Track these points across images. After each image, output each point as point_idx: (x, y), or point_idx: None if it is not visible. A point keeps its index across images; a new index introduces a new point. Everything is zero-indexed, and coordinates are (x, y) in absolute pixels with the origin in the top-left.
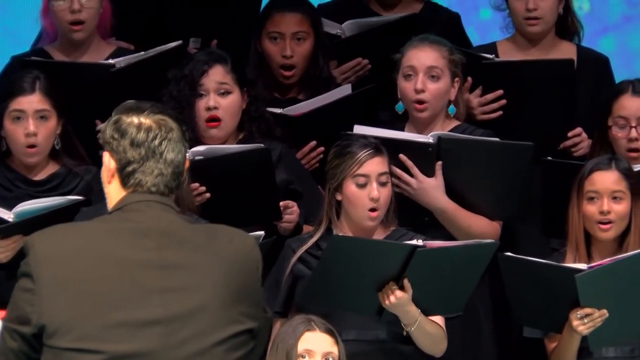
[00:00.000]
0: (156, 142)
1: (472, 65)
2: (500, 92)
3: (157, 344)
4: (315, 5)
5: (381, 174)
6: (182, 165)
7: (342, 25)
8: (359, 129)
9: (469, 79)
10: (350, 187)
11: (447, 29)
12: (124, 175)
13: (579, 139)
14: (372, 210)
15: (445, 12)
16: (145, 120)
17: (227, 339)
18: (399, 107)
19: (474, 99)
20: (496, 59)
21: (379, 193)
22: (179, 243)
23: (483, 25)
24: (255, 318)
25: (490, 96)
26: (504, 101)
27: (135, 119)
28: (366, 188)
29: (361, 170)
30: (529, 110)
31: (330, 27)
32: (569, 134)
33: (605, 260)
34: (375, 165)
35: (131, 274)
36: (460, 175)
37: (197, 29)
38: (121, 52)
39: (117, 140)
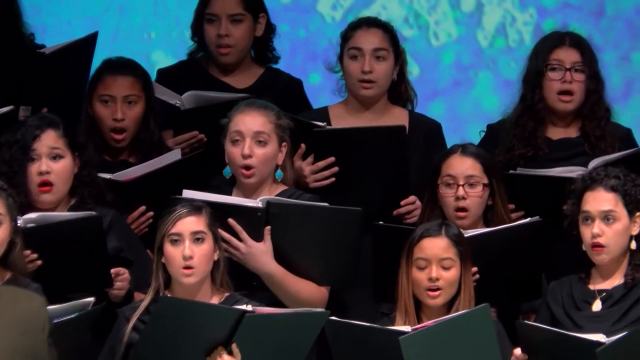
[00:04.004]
0: None
1: (304, 132)
2: (331, 159)
3: None
4: (155, 70)
5: (195, 232)
6: None
7: (182, 96)
8: (187, 194)
9: (302, 145)
10: (167, 247)
11: (287, 94)
12: None
13: (412, 207)
14: (186, 268)
15: (286, 78)
16: None
17: None
18: (227, 171)
19: (306, 166)
20: (327, 127)
21: (191, 251)
22: None
23: (313, 90)
24: None
25: (321, 164)
26: (335, 168)
27: None
28: (179, 246)
29: (174, 229)
30: (361, 178)
31: (170, 97)
32: (402, 202)
33: (429, 322)
34: (188, 224)
35: None
36: (289, 240)
37: (27, 97)
38: None
39: None
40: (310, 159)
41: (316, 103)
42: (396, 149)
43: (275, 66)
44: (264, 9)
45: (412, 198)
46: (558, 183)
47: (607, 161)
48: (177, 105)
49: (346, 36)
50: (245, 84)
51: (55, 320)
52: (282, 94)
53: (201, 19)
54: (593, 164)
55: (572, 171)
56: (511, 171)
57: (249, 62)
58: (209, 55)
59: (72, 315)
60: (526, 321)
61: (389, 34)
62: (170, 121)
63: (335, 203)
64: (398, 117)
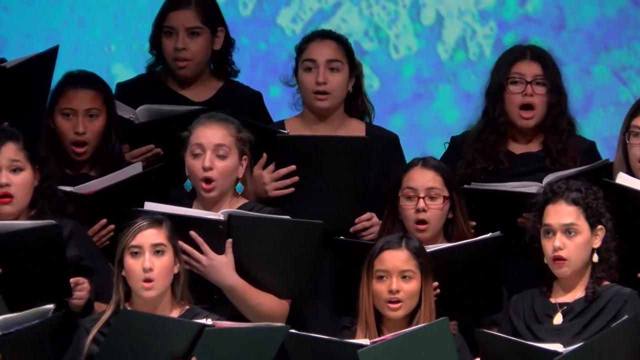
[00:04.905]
0: None
1: (266, 140)
2: (293, 167)
3: None
4: (115, 83)
5: (155, 245)
6: None
7: (137, 110)
8: (149, 206)
9: (265, 155)
10: (127, 259)
11: (247, 107)
12: None
13: (369, 224)
14: (146, 281)
15: (245, 90)
16: None
17: None
18: (187, 184)
19: (267, 174)
20: (291, 133)
21: (150, 263)
22: None
23: (273, 103)
24: None
25: (282, 171)
26: (296, 178)
27: None
28: (139, 259)
29: (134, 242)
30: (320, 188)
31: (124, 111)
32: (357, 220)
33: (389, 335)
34: (148, 237)
35: None
36: (251, 252)
37: None
38: None
39: None
40: (271, 167)
41: (276, 116)
42: (357, 159)
43: (234, 79)
44: (223, 22)
45: (368, 215)
46: (513, 198)
47: (561, 177)
48: (132, 119)
49: (300, 49)
50: (204, 97)
51: (15, 328)
52: (242, 107)
53: (159, 32)
54: (547, 179)
55: (527, 186)
56: (466, 186)
57: (207, 75)
58: (167, 68)
59: (32, 323)
60: (485, 330)
61: (343, 46)
62: (125, 135)
63: (292, 213)
64: (355, 129)
